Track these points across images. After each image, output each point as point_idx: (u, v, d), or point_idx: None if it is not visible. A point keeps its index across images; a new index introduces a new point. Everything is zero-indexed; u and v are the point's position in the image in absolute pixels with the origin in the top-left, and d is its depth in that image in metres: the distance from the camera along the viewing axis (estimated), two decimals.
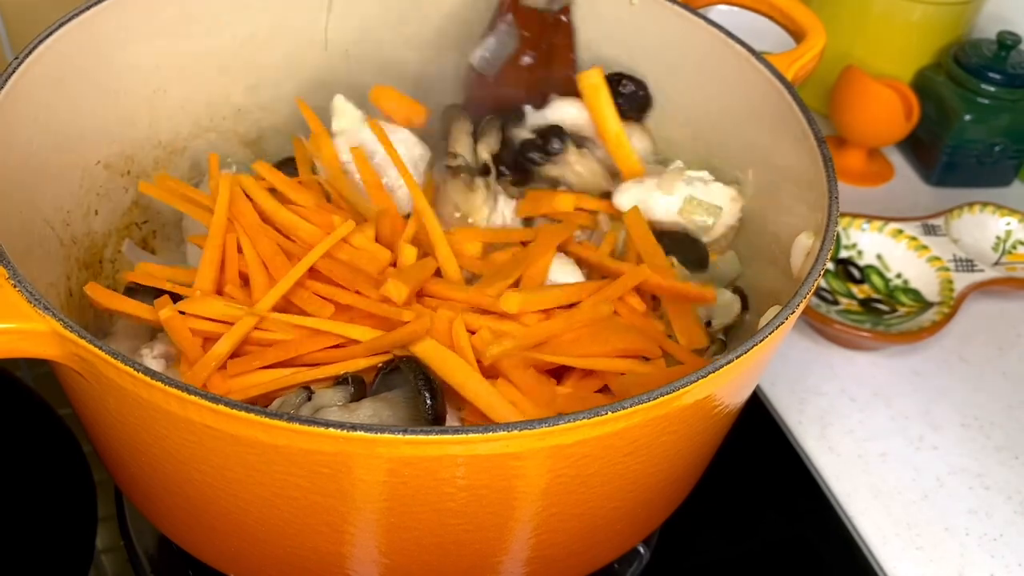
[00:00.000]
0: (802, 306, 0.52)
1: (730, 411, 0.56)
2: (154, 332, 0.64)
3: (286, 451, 0.45)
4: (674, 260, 0.67)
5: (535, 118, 0.74)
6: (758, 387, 0.81)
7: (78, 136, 0.66)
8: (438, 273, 0.64)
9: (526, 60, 0.73)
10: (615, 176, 0.73)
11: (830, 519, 0.74)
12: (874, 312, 0.87)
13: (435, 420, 0.54)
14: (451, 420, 0.58)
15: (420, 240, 0.66)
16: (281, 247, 0.63)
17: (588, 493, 0.51)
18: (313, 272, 0.62)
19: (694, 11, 0.71)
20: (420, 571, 0.54)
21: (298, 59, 0.77)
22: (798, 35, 0.72)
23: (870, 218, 0.90)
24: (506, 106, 0.74)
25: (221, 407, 0.44)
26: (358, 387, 0.58)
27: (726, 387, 0.52)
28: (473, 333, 0.59)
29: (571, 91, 0.74)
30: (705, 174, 0.71)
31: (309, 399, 0.57)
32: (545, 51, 0.74)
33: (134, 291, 0.63)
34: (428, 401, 0.54)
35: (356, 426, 0.44)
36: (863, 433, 0.79)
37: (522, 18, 0.73)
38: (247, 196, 0.66)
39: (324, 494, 0.48)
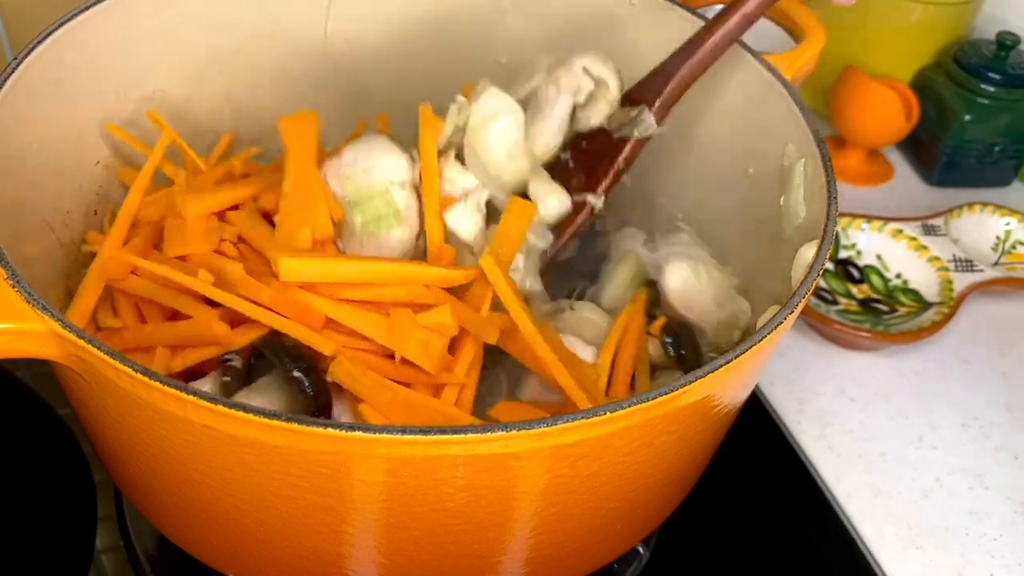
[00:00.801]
0: (801, 306, 0.52)
1: (729, 411, 0.56)
2: None
3: (284, 451, 0.45)
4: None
5: None
6: (757, 387, 0.81)
7: (78, 136, 0.66)
8: None
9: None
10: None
11: (830, 519, 0.74)
12: (873, 312, 0.87)
13: (316, 397, 0.52)
14: (344, 415, 0.55)
15: None
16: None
17: (587, 493, 0.51)
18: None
19: (694, 11, 0.71)
20: (419, 571, 0.54)
21: (298, 59, 0.77)
22: (798, 35, 0.72)
23: (870, 218, 0.90)
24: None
25: (220, 407, 0.44)
26: (234, 377, 0.56)
27: (725, 387, 0.52)
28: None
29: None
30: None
31: None
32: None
33: None
34: (303, 380, 0.52)
35: (355, 426, 0.44)
36: (863, 433, 0.79)
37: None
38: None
39: (322, 494, 0.48)
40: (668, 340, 0.64)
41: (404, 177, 0.57)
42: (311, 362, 0.53)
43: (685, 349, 0.63)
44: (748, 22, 0.66)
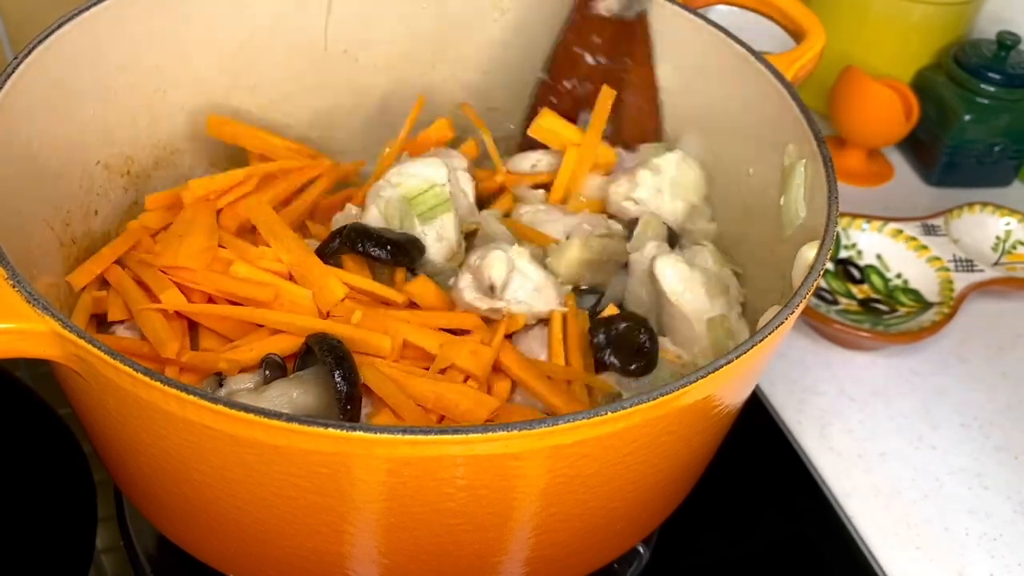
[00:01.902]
0: (801, 306, 0.52)
1: (730, 411, 0.56)
2: None
3: (285, 451, 0.45)
4: (611, 380, 0.62)
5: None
6: (758, 387, 0.81)
7: (78, 136, 0.66)
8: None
9: (589, 60, 0.71)
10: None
11: (830, 519, 0.74)
12: (873, 312, 0.87)
13: (348, 398, 0.55)
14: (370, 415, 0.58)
15: None
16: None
17: (588, 493, 0.51)
18: None
19: (694, 11, 0.71)
20: (419, 571, 0.54)
21: (298, 59, 0.77)
22: (798, 35, 0.72)
23: (870, 218, 0.90)
24: (573, 112, 0.73)
25: (220, 407, 0.44)
26: (275, 370, 0.59)
27: (725, 387, 0.52)
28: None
29: (646, 96, 0.73)
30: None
31: (220, 385, 0.59)
32: (619, 59, 0.72)
33: None
34: (338, 379, 0.55)
35: (355, 426, 0.44)
36: (863, 433, 0.79)
37: (593, 25, 0.72)
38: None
39: (323, 494, 0.48)
40: (598, 339, 0.63)
41: (444, 178, 0.68)
42: (350, 362, 0.56)
43: (616, 345, 0.62)
44: None
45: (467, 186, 0.72)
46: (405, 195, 0.67)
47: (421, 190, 0.67)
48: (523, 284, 0.63)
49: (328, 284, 0.63)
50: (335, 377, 0.55)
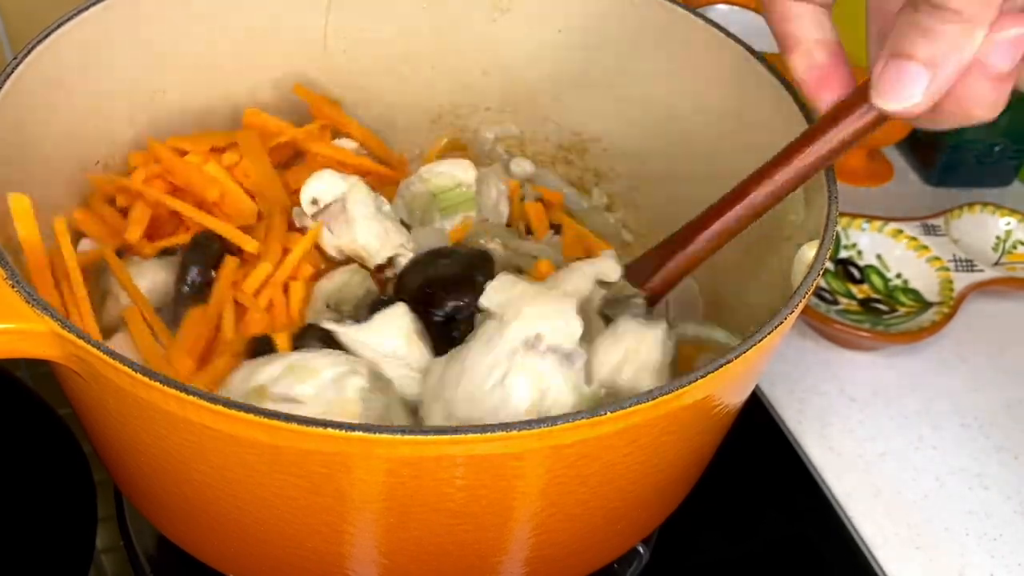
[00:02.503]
0: (801, 306, 0.52)
1: (730, 411, 0.56)
2: None
3: (285, 451, 0.45)
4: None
5: None
6: (758, 387, 0.81)
7: (78, 136, 0.66)
8: None
9: None
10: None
11: (830, 519, 0.74)
12: (874, 312, 0.87)
13: (184, 273, 0.62)
14: None
15: None
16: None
17: (587, 493, 0.51)
18: None
19: (694, 11, 0.71)
20: (419, 571, 0.54)
21: (298, 59, 0.77)
22: None
23: (870, 218, 0.90)
24: None
25: (220, 407, 0.44)
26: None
27: (725, 387, 0.52)
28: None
29: None
30: None
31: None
32: None
33: None
34: (185, 256, 0.62)
35: (355, 426, 0.44)
36: (863, 433, 0.79)
37: None
38: None
39: (323, 494, 0.48)
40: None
41: (471, 179, 0.72)
42: (204, 248, 0.63)
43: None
44: (755, 214, 0.57)
45: (501, 199, 0.75)
46: (431, 190, 0.71)
47: (448, 187, 0.71)
48: (337, 214, 0.65)
49: (278, 195, 0.67)
50: (183, 255, 0.62)
